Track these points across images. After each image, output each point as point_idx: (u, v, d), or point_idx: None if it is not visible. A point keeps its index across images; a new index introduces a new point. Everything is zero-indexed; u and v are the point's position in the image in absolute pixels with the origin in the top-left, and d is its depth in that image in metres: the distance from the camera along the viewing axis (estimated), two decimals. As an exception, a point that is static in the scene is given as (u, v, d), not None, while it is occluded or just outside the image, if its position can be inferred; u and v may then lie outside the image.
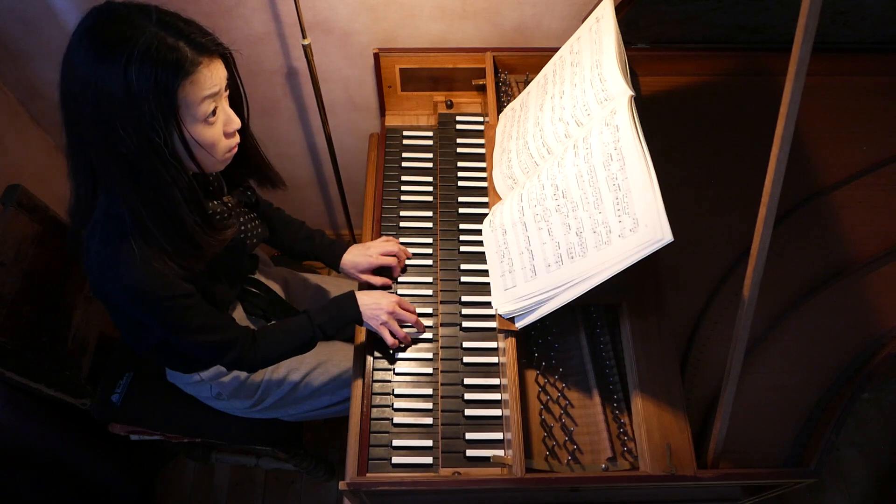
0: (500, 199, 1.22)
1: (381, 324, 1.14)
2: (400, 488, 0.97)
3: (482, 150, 1.38)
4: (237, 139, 0.94)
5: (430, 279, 1.25)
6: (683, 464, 0.98)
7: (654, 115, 1.32)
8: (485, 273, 1.20)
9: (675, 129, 1.35)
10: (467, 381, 1.10)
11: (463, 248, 1.24)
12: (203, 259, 0.95)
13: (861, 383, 1.09)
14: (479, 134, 1.41)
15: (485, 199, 1.30)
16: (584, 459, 1.04)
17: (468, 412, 1.07)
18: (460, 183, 1.33)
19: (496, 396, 1.09)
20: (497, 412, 1.08)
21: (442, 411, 1.08)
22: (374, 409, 1.11)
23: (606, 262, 0.93)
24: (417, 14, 1.39)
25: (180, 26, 0.81)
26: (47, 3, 1.31)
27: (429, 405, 1.11)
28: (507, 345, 1.06)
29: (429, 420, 1.10)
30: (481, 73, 1.42)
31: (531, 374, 1.12)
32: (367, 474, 1.04)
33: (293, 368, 1.31)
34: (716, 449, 0.97)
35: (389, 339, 1.14)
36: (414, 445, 1.07)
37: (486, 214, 1.25)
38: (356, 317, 1.14)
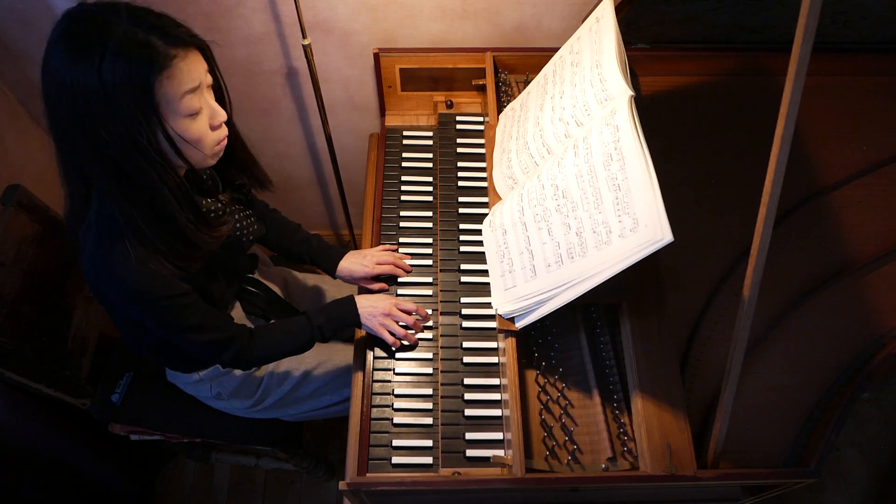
0: (500, 199, 1.22)
1: (379, 325, 1.14)
2: (400, 488, 0.97)
3: (482, 150, 1.38)
4: (225, 131, 0.93)
5: (430, 279, 1.25)
6: (683, 464, 0.98)
7: (654, 115, 1.32)
8: (485, 273, 1.20)
9: (675, 129, 1.35)
10: (467, 381, 1.10)
11: (463, 248, 1.24)
12: (199, 257, 0.95)
13: (861, 383, 1.09)
14: (479, 134, 1.41)
15: (485, 199, 1.30)
16: (584, 459, 1.04)
17: (468, 412, 1.07)
18: (460, 183, 1.33)
19: (496, 396, 1.09)
20: (497, 412, 1.08)
21: (442, 411, 1.08)
22: (374, 409, 1.11)
23: (606, 262, 0.93)
24: (417, 14, 1.39)
25: (151, 20, 0.80)
26: (47, 3, 1.31)
27: (429, 405, 1.11)
28: (507, 345, 1.06)
29: (429, 420, 1.10)
30: (481, 73, 1.42)
31: (531, 374, 1.12)
32: (367, 474, 1.04)
33: (293, 368, 1.31)
34: (716, 449, 0.97)
35: (389, 339, 1.14)
36: (414, 445, 1.07)
37: (486, 214, 1.25)
38: (355, 319, 1.15)
